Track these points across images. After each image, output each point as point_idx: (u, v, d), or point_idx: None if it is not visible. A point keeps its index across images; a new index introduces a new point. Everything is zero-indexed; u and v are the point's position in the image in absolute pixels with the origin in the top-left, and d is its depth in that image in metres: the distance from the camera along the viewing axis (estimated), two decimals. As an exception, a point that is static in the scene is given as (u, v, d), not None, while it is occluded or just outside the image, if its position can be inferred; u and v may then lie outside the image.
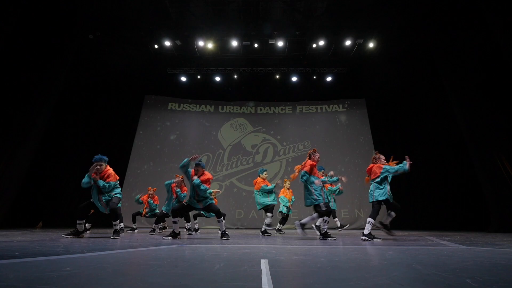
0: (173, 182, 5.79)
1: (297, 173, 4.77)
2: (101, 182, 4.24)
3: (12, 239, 3.49)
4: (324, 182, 5.10)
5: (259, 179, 5.75)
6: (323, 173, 5.70)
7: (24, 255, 2.06)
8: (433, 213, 8.77)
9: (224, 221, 4.42)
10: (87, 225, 5.81)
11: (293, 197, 6.40)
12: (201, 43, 9.22)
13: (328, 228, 4.66)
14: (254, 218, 9.28)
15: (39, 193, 8.43)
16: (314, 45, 9.42)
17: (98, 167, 4.27)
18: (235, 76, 10.97)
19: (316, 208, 4.37)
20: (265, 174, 5.98)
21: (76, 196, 8.99)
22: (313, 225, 5.64)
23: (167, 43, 9.23)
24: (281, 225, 6.19)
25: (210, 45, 9.28)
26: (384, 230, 4.70)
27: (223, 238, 4.03)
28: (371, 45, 9.21)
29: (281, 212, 6.15)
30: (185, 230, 5.93)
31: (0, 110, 6.90)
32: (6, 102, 7.03)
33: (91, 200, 4.33)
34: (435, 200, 8.88)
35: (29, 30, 7.35)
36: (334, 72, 10.97)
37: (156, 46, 9.43)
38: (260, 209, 5.72)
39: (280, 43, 9.23)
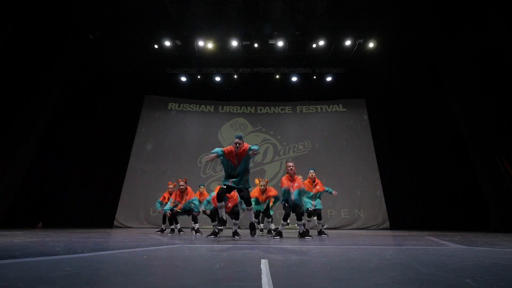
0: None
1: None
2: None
3: (12, 239, 3.49)
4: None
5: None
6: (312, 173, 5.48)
7: (24, 255, 2.06)
8: (433, 213, 8.77)
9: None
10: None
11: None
12: (201, 43, 9.22)
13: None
14: (254, 218, 9.29)
15: (39, 193, 8.44)
16: (314, 45, 9.42)
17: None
18: (235, 76, 10.96)
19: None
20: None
21: (77, 196, 9.01)
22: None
23: (167, 43, 9.23)
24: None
25: (210, 45, 9.28)
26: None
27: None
28: (371, 45, 9.21)
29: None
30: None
31: (0, 110, 6.89)
32: (6, 102, 7.02)
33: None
34: (435, 200, 8.88)
35: (29, 30, 7.34)
36: (334, 72, 10.97)
37: (156, 46, 9.43)
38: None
39: (280, 43, 9.23)
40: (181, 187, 5.59)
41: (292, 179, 4.53)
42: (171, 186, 6.33)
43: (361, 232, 7.46)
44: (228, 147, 3.99)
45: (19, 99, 7.28)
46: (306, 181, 5.27)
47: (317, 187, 5.26)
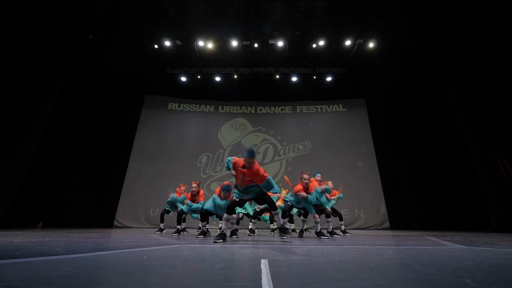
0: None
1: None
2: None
3: (12, 239, 3.49)
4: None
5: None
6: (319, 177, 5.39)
7: (24, 255, 2.06)
8: (433, 213, 8.77)
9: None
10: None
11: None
12: (201, 43, 9.22)
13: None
14: (254, 218, 9.28)
15: (39, 193, 8.44)
16: (314, 45, 9.42)
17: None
18: (235, 76, 10.96)
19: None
20: None
21: (77, 196, 9.01)
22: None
23: (167, 43, 9.23)
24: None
25: (210, 45, 9.28)
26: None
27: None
28: (371, 45, 9.20)
29: None
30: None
31: (0, 110, 6.90)
32: (6, 101, 7.03)
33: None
34: (435, 200, 8.88)
35: (30, 30, 7.35)
36: (334, 72, 10.97)
37: (156, 46, 9.43)
38: None
39: (280, 43, 9.23)
40: (193, 189, 5.41)
41: (305, 190, 4.41)
42: (182, 188, 6.03)
43: (361, 232, 7.46)
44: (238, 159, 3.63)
45: (19, 99, 7.29)
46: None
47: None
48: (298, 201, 4.48)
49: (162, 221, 6.25)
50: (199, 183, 5.60)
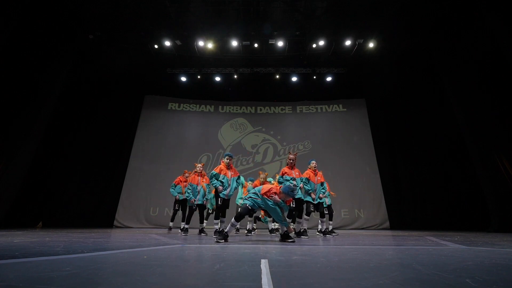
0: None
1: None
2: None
3: (12, 239, 3.49)
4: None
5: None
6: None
7: (24, 255, 2.06)
8: (433, 213, 8.77)
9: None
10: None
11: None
12: (201, 43, 9.23)
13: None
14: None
15: (39, 193, 8.44)
16: (314, 45, 9.42)
17: None
18: (235, 76, 10.97)
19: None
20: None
21: (77, 196, 9.01)
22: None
23: (167, 43, 9.23)
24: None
25: (210, 45, 9.29)
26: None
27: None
28: (371, 45, 9.21)
29: None
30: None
31: (0, 110, 6.90)
32: (6, 102, 7.02)
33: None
34: (435, 200, 8.88)
35: (30, 30, 7.34)
36: (334, 72, 10.97)
37: (156, 46, 9.44)
38: None
39: (280, 43, 9.23)
40: (198, 170, 5.68)
41: (291, 168, 4.64)
42: (187, 174, 6.33)
43: (361, 232, 7.46)
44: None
45: (19, 99, 7.28)
46: (308, 171, 5.08)
47: (318, 178, 5.13)
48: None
49: (172, 220, 6.36)
50: (203, 164, 5.82)
